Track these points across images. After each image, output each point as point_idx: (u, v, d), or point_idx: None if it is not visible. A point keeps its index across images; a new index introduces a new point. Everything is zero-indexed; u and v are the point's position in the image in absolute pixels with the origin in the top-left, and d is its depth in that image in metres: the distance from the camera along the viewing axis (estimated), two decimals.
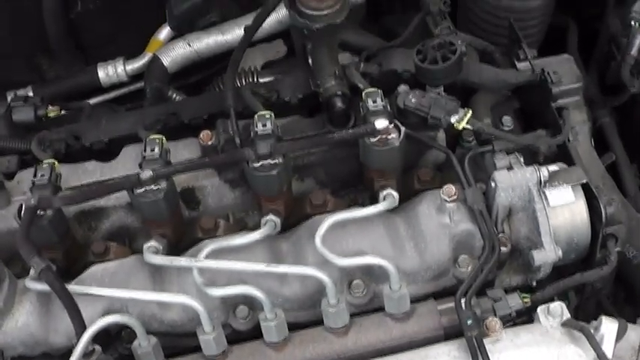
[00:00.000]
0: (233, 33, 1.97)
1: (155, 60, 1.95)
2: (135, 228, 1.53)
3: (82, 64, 2.09)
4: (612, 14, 1.72)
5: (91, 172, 1.54)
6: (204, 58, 1.98)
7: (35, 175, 1.42)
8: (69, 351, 1.35)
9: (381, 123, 1.39)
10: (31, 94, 2.03)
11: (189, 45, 1.97)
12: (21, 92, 2.04)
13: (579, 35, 1.87)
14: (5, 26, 1.98)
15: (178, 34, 2.03)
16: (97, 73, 2.03)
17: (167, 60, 1.96)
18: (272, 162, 1.38)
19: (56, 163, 1.46)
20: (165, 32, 2.05)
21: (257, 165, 1.38)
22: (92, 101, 2.03)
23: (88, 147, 1.58)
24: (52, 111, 1.63)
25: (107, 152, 1.58)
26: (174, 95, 1.87)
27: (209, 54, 1.98)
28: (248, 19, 1.96)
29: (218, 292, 1.33)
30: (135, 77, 2.07)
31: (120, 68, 2.03)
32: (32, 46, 2.06)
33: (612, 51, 1.65)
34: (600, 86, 1.74)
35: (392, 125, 1.40)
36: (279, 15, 1.90)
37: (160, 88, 1.87)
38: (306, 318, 1.39)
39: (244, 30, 1.66)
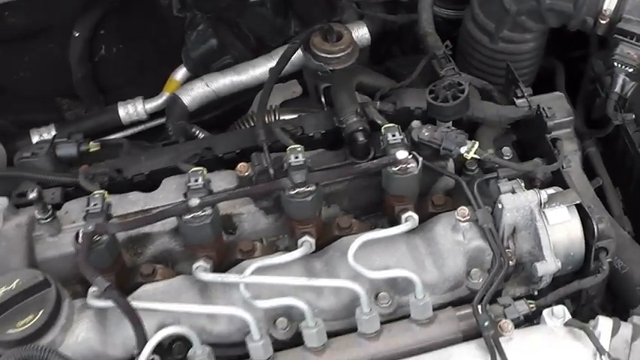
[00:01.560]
0: (247, 74, 2.30)
1: (176, 99, 2.26)
2: (177, 252, 1.80)
3: (102, 105, 2.38)
4: (595, 56, 2.07)
5: (135, 202, 1.81)
6: (220, 97, 2.30)
7: (88, 205, 1.70)
8: None
9: (401, 154, 1.70)
10: (53, 131, 2.32)
11: (208, 85, 2.28)
12: (43, 130, 2.34)
13: (566, 75, 2.22)
14: (31, 69, 2.27)
15: (194, 75, 2.35)
16: (117, 111, 2.33)
17: (187, 99, 2.27)
18: (306, 189, 1.69)
19: (106, 193, 1.74)
20: (181, 73, 2.37)
21: (293, 192, 1.69)
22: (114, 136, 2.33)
23: (129, 179, 1.87)
24: (93, 147, 1.91)
25: (146, 184, 1.86)
26: (197, 132, 2.17)
27: (226, 93, 2.30)
28: (260, 62, 2.30)
29: (265, 304, 1.60)
30: (151, 115, 2.38)
31: (140, 107, 2.33)
32: (55, 88, 2.35)
33: (597, 89, 2.00)
34: (586, 120, 2.08)
35: (411, 156, 1.72)
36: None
37: (183, 125, 2.16)
38: (339, 327, 1.67)
39: (269, 71, 1.97)
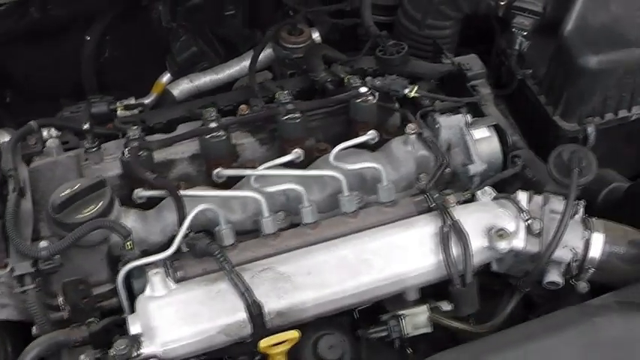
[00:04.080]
0: (223, 73, 3.09)
1: (167, 92, 3.03)
2: (194, 176, 2.50)
3: None
4: (500, 38, 2.93)
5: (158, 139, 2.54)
6: (201, 92, 3.08)
7: (128, 134, 2.42)
8: (162, 245, 2.32)
9: (363, 89, 2.52)
10: None
11: (191, 82, 3.06)
12: None
13: None
14: (49, 68, 2.99)
15: (176, 79, 3.13)
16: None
17: (176, 92, 3.04)
18: (295, 115, 2.46)
19: (140, 127, 2.47)
20: (166, 77, 3.14)
21: (286, 117, 2.46)
22: None
23: (151, 127, 2.59)
24: (120, 106, 2.65)
25: (165, 131, 2.58)
26: None
27: (205, 89, 3.07)
28: (234, 63, 3.10)
29: (271, 189, 2.31)
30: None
31: None
32: (63, 88, 3.07)
33: (502, 60, 2.89)
34: (496, 86, 2.92)
35: (369, 91, 2.54)
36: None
37: None
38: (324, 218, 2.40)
39: (254, 50, 2.79)
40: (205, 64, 3.11)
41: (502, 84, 2.85)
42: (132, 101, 3.01)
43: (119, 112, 2.65)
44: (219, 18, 3.10)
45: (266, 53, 3.01)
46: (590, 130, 2.68)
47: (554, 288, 2.35)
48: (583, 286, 2.33)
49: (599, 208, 2.60)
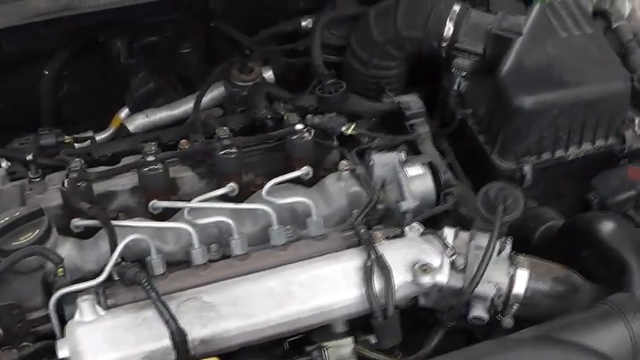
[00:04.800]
0: (179, 109, 3.22)
1: (123, 127, 3.17)
2: (134, 208, 2.63)
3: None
4: (444, 78, 3.05)
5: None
6: (157, 127, 3.22)
7: (70, 166, 2.56)
8: (96, 274, 2.44)
9: (299, 126, 2.65)
10: None
11: (147, 117, 3.20)
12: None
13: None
14: (5, 102, 3.14)
15: (134, 113, 3.28)
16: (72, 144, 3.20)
17: (131, 127, 3.17)
18: (231, 150, 2.60)
19: (83, 160, 2.61)
20: (124, 112, 3.27)
21: (222, 152, 2.60)
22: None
23: (97, 159, 2.73)
24: (68, 139, 2.79)
25: (110, 164, 2.72)
26: None
27: (161, 124, 3.21)
28: (189, 99, 3.23)
29: (202, 221, 2.44)
30: None
31: None
32: (21, 121, 3.21)
33: (445, 99, 3.01)
34: (441, 125, 3.05)
35: (306, 128, 2.67)
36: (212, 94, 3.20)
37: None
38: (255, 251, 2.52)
39: (199, 92, 2.94)
40: (162, 100, 3.25)
41: (445, 123, 2.98)
42: (89, 134, 3.18)
43: (76, 145, 2.80)
44: (176, 55, 3.25)
45: (219, 90, 3.16)
46: (527, 169, 2.80)
47: (480, 323, 2.43)
48: (508, 321, 2.41)
49: (535, 245, 2.71)
